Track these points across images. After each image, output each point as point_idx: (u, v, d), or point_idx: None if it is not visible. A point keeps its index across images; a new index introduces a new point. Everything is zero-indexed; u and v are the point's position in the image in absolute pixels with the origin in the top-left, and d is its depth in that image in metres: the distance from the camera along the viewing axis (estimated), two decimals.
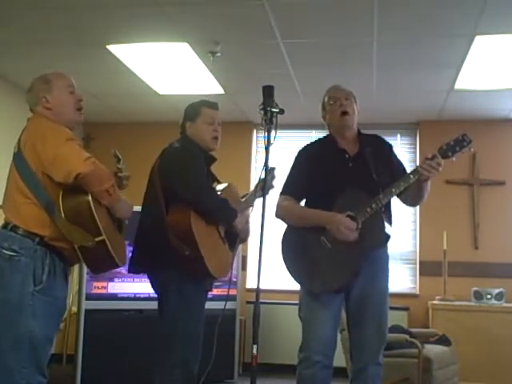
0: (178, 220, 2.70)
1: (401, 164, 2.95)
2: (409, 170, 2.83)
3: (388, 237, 2.73)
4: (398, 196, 2.80)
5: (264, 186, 2.50)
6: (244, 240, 3.04)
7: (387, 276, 2.85)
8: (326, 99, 2.94)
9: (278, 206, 2.86)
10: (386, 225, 2.71)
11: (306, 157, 2.92)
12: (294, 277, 2.79)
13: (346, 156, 2.84)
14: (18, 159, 2.38)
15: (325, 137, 3.00)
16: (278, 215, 2.86)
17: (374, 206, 2.66)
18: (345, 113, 2.85)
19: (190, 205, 2.70)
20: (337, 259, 2.69)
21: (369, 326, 2.74)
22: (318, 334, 2.75)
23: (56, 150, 2.29)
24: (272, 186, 2.88)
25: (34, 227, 2.32)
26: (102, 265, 2.47)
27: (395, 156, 2.97)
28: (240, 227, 2.88)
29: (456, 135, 2.69)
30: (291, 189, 2.89)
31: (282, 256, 2.82)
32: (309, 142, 3.06)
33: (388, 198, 2.67)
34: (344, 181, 2.74)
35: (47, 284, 2.31)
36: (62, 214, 2.29)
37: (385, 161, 2.84)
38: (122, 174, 2.69)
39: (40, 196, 2.32)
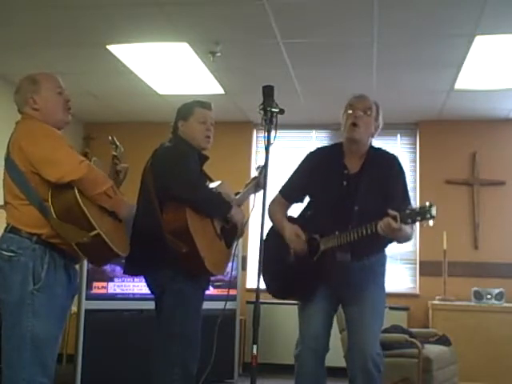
0: (174, 217, 2.70)
1: (402, 195, 2.76)
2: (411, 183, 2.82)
3: (343, 264, 2.70)
4: None
5: (262, 184, 2.51)
6: (240, 235, 3.04)
7: (381, 282, 2.84)
8: (347, 106, 2.82)
9: (270, 205, 2.89)
10: (340, 258, 2.68)
11: (310, 162, 2.92)
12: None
13: (345, 172, 2.77)
14: (8, 163, 2.40)
15: (336, 144, 2.94)
16: (267, 213, 2.89)
17: (335, 242, 2.66)
18: (354, 124, 2.74)
19: (185, 202, 2.71)
20: (297, 273, 2.76)
21: (352, 337, 2.77)
22: (307, 330, 2.79)
23: (45, 152, 2.31)
24: (263, 187, 2.90)
25: (31, 227, 2.34)
26: (103, 257, 2.49)
27: (402, 183, 2.79)
28: (235, 219, 2.91)
29: (424, 204, 2.50)
30: (286, 191, 2.95)
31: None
32: (321, 146, 3.07)
33: (348, 239, 2.61)
34: (335, 196, 2.74)
35: (47, 282, 2.32)
36: (54, 214, 2.30)
37: (383, 188, 2.71)
38: (119, 164, 2.69)
39: (32, 197, 2.34)
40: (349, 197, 2.71)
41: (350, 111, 2.78)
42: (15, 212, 2.38)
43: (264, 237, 2.82)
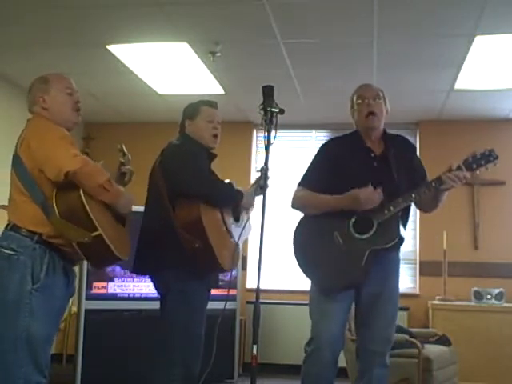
0: (187, 212, 2.73)
1: (422, 168, 2.92)
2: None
3: (401, 240, 2.74)
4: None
5: (263, 185, 2.52)
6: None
7: (398, 278, 2.86)
8: (355, 98, 2.89)
9: (295, 196, 2.86)
10: (401, 228, 2.71)
11: (330, 152, 2.91)
12: (302, 269, 2.79)
13: (372, 155, 2.83)
14: (15, 160, 2.41)
15: (351, 133, 2.97)
16: (294, 205, 2.87)
17: (392, 208, 2.66)
18: (371, 113, 2.81)
19: (198, 197, 2.73)
20: (348, 256, 2.69)
21: (377, 326, 2.74)
22: (327, 329, 2.73)
23: (47, 149, 2.32)
24: (267, 186, 2.90)
25: (32, 225, 2.34)
26: (103, 260, 2.48)
27: (418, 159, 2.96)
28: (246, 207, 2.97)
29: (483, 149, 2.67)
30: (309, 182, 2.88)
31: (293, 247, 2.83)
32: (334, 137, 3.08)
33: (407, 202, 2.68)
34: (367, 180, 2.72)
35: (45, 282, 2.32)
36: (57, 213, 2.30)
37: (407, 163, 2.83)
38: (124, 167, 2.71)
39: (36, 195, 2.34)
40: (384, 175, 2.75)
41: (360, 101, 2.85)
42: (17, 210, 2.39)
43: (295, 229, 2.85)
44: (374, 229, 2.68)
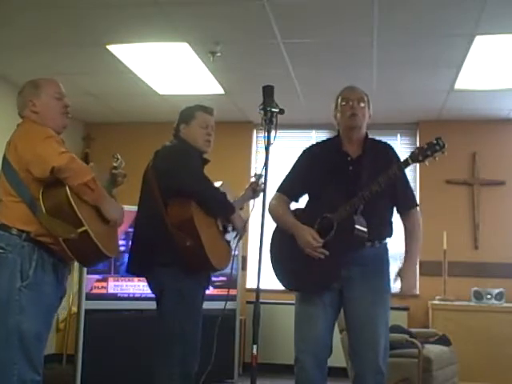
0: (179, 211, 2.75)
1: (402, 182, 2.85)
2: (411, 184, 2.84)
3: (361, 238, 2.66)
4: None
5: (263, 188, 2.53)
6: (240, 238, 3.08)
7: (384, 278, 2.79)
8: (340, 99, 2.88)
9: (270, 203, 2.87)
10: (358, 227, 2.64)
11: (308, 156, 2.92)
12: (274, 272, 2.80)
13: (348, 159, 2.81)
14: (4, 162, 2.46)
15: (333, 137, 2.97)
16: (268, 211, 2.86)
17: (348, 208, 2.65)
18: (354, 114, 2.81)
19: (191, 195, 2.75)
20: (315, 261, 2.68)
21: (360, 331, 2.69)
22: (306, 333, 2.72)
23: (34, 148, 2.36)
24: (262, 190, 2.91)
25: (20, 224, 2.37)
26: (90, 256, 2.49)
27: (399, 169, 2.76)
28: (237, 223, 2.96)
29: (430, 140, 2.63)
30: (286, 187, 2.92)
31: (268, 251, 2.83)
32: (315, 142, 3.06)
33: (361, 202, 2.63)
34: (341, 183, 2.73)
35: (34, 279, 2.35)
36: (43, 209, 2.33)
37: (384, 170, 2.73)
38: (116, 171, 2.74)
39: (23, 194, 2.38)
40: (358, 179, 2.73)
41: (344, 103, 2.84)
42: (6, 209, 2.43)
43: (270, 240, 2.83)
44: (334, 230, 2.67)
